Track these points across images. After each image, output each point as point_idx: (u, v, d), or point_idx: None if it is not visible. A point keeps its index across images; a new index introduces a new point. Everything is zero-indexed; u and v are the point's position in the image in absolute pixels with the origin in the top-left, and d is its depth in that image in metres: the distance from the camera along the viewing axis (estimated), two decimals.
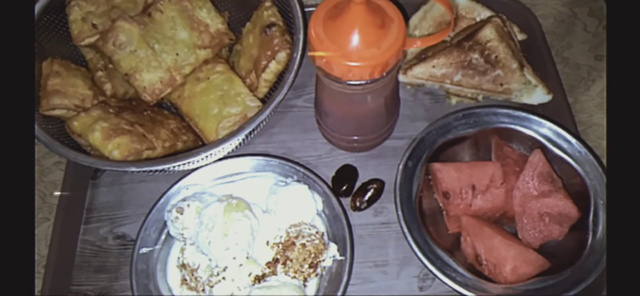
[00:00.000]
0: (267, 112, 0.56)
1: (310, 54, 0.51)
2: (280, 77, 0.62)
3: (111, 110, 0.57)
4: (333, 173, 0.61)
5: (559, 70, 0.66)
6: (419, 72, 0.65)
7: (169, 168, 0.54)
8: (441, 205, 0.56)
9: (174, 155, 0.57)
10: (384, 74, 0.50)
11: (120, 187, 0.63)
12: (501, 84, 0.64)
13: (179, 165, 0.54)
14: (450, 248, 0.54)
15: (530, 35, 0.68)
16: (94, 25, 0.62)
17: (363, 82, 0.50)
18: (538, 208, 0.53)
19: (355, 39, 0.49)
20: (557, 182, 0.54)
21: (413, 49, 0.66)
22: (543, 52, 0.67)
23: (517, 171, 0.55)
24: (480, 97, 0.65)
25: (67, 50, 0.64)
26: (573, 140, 0.56)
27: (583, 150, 0.55)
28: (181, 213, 0.52)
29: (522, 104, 0.65)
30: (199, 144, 0.62)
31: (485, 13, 0.67)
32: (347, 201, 0.60)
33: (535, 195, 0.53)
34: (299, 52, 0.59)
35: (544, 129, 0.57)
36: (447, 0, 0.49)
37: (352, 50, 0.49)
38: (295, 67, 0.58)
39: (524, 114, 0.58)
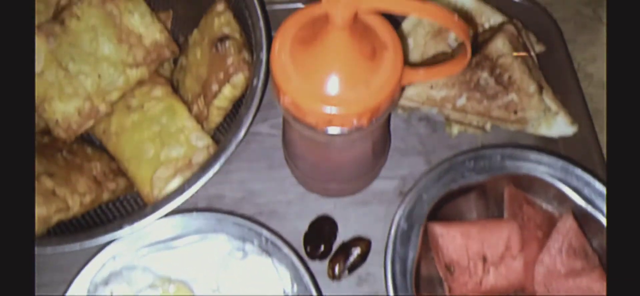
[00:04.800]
0: (216, 167, 0.42)
1: (274, 90, 0.37)
2: (240, 101, 0.48)
3: None
4: (306, 227, 0.48)
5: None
6: (414, 94, 0.52)
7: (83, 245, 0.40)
8: (443, 277, 0.45)
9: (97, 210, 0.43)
10: (374, 120, 0.37)
11: None
12: (515, 111, 0.51)
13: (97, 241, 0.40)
14: None
15: (549, 46, 0.55)
16: None
17: (345, 130, 0.37)
18: (566, 289, 0.41)
19: (335, 75, 0.35)
20: (593, 258, 0.42)
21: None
22: (565, 68, 0.54)
23: (539, 236, 0.43)
24: (488, 126, 0.53)
25: None
26: None
27: None
28: None
29: (540, 137, 0.52)
30: (132, 191, 0.48)
31: (496, 17, 0.54)
32: (323, 265, 0.47)
33: (563, 273, 0.42)
34: (262, 76, 0.45)
35: (572, 179, 0.45)
36: (463, 24, 0.35)
37: (331, 90, 0.35)
38: (256, 99, 0.44)
39: (547, 158, 0.46)
